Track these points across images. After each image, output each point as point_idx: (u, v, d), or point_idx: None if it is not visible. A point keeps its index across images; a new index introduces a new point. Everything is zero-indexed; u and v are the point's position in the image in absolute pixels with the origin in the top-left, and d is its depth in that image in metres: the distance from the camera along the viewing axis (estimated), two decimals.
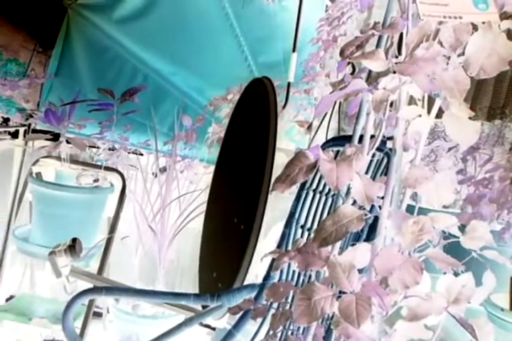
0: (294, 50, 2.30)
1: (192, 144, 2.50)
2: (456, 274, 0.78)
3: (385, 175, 0.86)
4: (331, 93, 0.83)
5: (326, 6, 2.48)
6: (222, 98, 2.55)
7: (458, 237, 0.84)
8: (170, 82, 2.70)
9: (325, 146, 1.42)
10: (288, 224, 1.44)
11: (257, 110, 1.77)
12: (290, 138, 2.46)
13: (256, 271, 1.55)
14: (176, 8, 2.65)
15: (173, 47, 2.68)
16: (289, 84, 2.29)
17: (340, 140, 1.45)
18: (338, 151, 1.37)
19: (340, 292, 0.74)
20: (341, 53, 0.75)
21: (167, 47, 2.68)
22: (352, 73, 1.56)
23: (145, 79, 2.67)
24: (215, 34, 2.71)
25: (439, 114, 0.85)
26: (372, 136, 0.92)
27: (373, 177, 1.20)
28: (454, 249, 0.84)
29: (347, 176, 0.76)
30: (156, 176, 2.40)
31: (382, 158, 1.23)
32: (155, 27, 2.67)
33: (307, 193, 1.42)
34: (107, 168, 2.25)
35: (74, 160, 2.23)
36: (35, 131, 2.55)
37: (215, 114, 2.55)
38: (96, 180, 2.18)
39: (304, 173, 0.78)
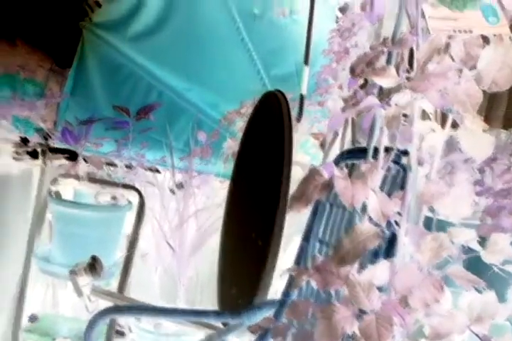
0: (306, 63, 2.31)
1: (207, 159, 2.51)
2: (478, 290, 0.77)
3: (401, 188, 0.86)
4: (342, 109, 0.83)
5: (337, 17, 2.48)
6: (235, 112, 2.56)
7: (478, 251, 0.83)
8: (184, 98, 2.72)
9: (339, 159, 1.41)
10: (305, 238, 1.44)
11: (270, 123, 1.77)
12: (305, 151, 2.45)
13: (276, 286, 1.55)
14: (187, 24, 2.68)
15: (186, 63, 2.70)
16: (302, 96, 2.29)
17: (355, 152, 1.45)
18: (353, 164, 1.36)
19: (360, 310, 0.73)
20: (352, 71, 0.76)
21: (180, 63, 2.71)
22: (363, 86, 1.56)
23: (159, 96, 2.69)
24: (227, 48, 2.73)
25: (455, 125, 0.84)
26: (387, 149, 0.92)
27: (389, 191, 1.19)
28: (475, 263, 0.83)
29: (362, 194, 0.75)
30: (173, 192, 2.41)
31: (398, 170, 1.22)
32: (168, 43, 2.71)
33: (324, 206, 1.42)
34: (125, 186, 2.26)
35: (92, 179, 2.25)
36: (53, 149, 2.58)
37: (229, 129, 2.56)
38: (114, 198, 2.19)
39: (319, 191, 0.78)
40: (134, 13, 2.66)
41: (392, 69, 0.78)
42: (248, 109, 2.46)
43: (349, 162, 1.37)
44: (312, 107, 2.36)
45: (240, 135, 2.35)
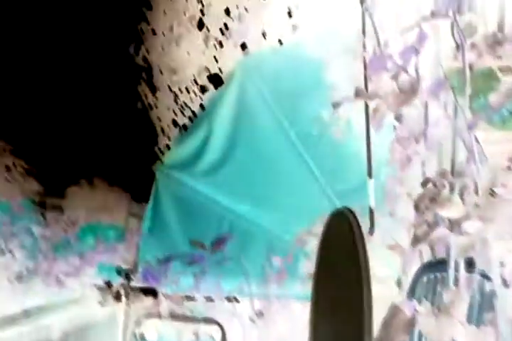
0: (369, 176, 2.33)
1: (284, 283, 2.47)
2: None
3: (490, 304, 0.82)
4: (413, 243, 0.83)
5: (394, 127, 2.52)
6: (307, 232, 2.56)
7: None
8: (255, 224, 2.77)
9: (420, 274, 1.37)
10: None
11: (343, 242, 1.75)
12: (382, 264, 2.38)
13: None
14: (250, 156, 2.82)
15: (253, 191, 2.79)
16: (371, 209, 2.28)
17: (435, 265, 1.40)
18: (435, 277, 1.31)
19: None
20: (416, 208, 0.77)
21: (247, 191, 2.80)
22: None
23: (231, 226, 2.75)
24: (291, 171, 2.81)
25: None
26: (469, 262, 0.89)
27: (479, 310, 1.13)
28: None
29: (449, 330, 0.72)
30: (253, 321, 2.36)
31: (483, 287, 1.16)
32: (234, 175, 2.83)
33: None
34: (206, 320, 2.24)
35: (174, 316, 2.25)
36: (135, 289, 2.63)
37: (303, 250, 2.55)
38: (196, 335, 2.17)
39: (403, 331, 0.76)
40: (200, 153, 2.86)
41: (457, 199, 0.79)
42: (319, 228, 2.46)
43: (431, 276, 1.32)
44: (383, 218, 2.33)
45: (314, 255, 2.32)
